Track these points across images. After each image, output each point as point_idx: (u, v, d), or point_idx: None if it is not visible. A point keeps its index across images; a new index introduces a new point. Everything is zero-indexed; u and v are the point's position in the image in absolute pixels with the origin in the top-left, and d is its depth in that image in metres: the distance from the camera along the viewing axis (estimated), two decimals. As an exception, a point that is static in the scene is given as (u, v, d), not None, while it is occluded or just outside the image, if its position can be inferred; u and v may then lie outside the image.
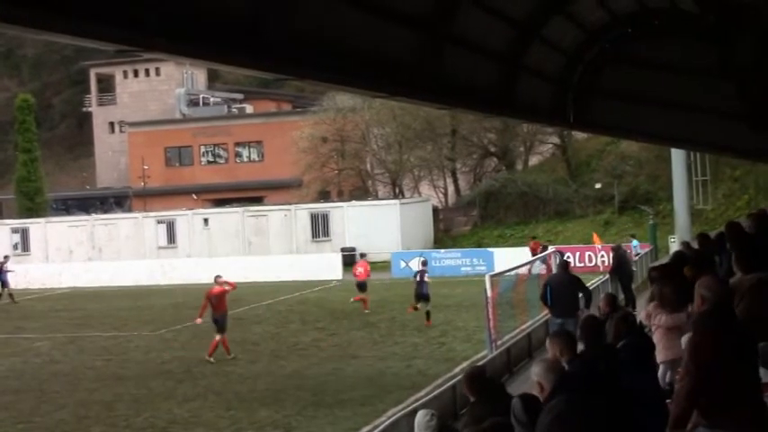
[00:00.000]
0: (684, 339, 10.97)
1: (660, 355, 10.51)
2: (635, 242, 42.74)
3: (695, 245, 17.02)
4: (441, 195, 68.76)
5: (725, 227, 14.34)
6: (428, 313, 31.10)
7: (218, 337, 26.90)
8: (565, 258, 29.47)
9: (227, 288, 27.92)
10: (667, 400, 7.98)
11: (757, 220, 13.38)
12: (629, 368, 8.59)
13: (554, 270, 30.72)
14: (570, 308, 21.30)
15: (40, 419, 21.04)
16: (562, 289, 21.67)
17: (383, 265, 52.27)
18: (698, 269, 12.63)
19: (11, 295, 44.78)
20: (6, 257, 45.44)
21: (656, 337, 11.39)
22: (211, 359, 26.54)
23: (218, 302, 27.30)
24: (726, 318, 6.62)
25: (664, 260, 27.58)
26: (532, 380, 7.11)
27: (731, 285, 9.61)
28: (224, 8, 7.19)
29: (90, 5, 5.63)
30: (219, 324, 27.07)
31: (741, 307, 9.19)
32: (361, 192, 68.90)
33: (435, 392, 17.84)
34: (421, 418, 9.18)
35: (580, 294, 21.69)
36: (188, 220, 61.04)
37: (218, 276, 28.39)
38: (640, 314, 12.94)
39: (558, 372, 7.06)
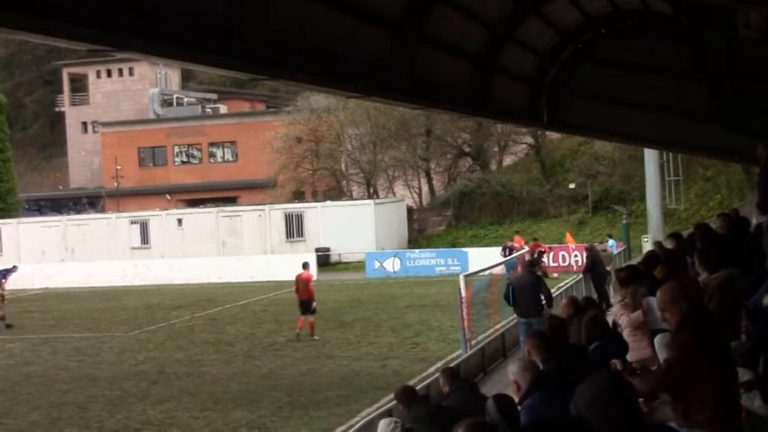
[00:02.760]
0: (657, 341, 11.06)
1: (628, 356, 10.56)
2: (611, 241, 42.96)
3: (668, 244, 17.11)
4: (415, 195, 68.87)
5: (694, 228, 14.43)
6: None
7: (311, 318, 29.36)
8: (534, 257, 29.56)
9: (312, 275, 30.88)
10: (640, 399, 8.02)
11: (726, 220, 13.48)
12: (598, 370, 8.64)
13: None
14: (533, 308, 21.39)
15: (13, 421, 20.90)
16: (525, 289, 21.76)
17: (357, 266, 52.33)
18: (669, 269, 12.74)
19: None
20: (15, 267, 44.99)
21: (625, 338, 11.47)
22: (315, 336, 29.07)
23: (303, 286, 29.76)
24: (702, 323, 6.66)
25: (636, 260, 27.72)
26: (509, 378, 7.15)
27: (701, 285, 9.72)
28: (199, 9, 7.18)
29: (65, 5, 5.62)
30: (305, 306, 29.42)
31: (711, 305, 9.28)
32: (336, 192, 68.86)
33: (410, 392, 17.83)
34: (384, 427, 9.23)
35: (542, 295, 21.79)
36: (162, 220, 60.82)
37: (306, 263, 31.68)
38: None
39: (534, 371, 7.12)
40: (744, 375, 8.02)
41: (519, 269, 30.75)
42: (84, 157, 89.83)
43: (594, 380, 5.81)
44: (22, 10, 5.30)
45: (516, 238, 44.74)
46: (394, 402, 15.65)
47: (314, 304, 29.53)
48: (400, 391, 10.89)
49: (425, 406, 9.95)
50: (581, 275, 31.38)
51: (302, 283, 30.00)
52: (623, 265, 25.56)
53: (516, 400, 7.19)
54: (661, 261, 13.58)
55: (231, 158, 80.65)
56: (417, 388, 13.35)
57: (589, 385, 5.44)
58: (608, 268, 30.66)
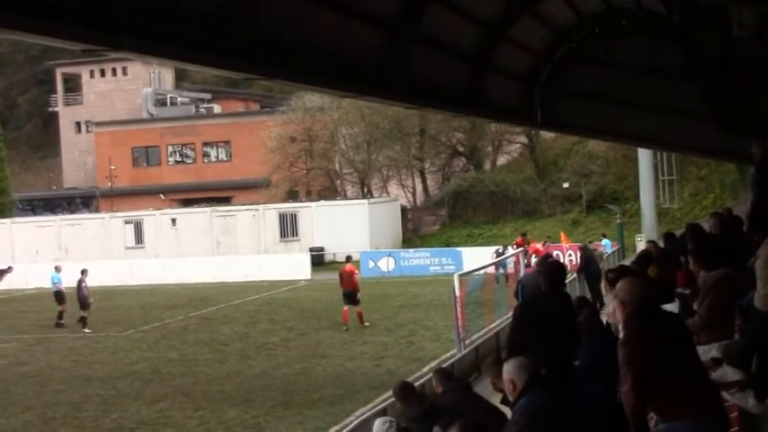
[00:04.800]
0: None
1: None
2: (605, 241, 43.04)
3: (662, 244, 17.12)
4: (409, 195, 68.86)
5: (685, 228, 14.43)
6: None
7: (345, 308, 30.92)
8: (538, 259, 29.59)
9: (355, 267, 33.02)
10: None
11: (720, 220, 13.48)
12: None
13: (522, 270, 30.91)
14: None
15: (6, 421, 20.85)
16: (533, 289, 21.71)
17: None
18: (663, 268, 12.75)
19: None
20: (10, 268, 44.77)
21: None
22: (366, 323, 30.90)
23: (348, 279, 31.18)
24: (649, 314, 6.67)
25: (630, 259, 27.72)
26: (504, 378, 7.15)
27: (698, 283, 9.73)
28: (193, 9, 7.18)
29: (59, 5, 5.61)
30: (349, 297, 30.97)
31: (705, 303, 9.29)
32: (330, 192, 68.83)
33: (404, 392, 17.83)
34: (379, 425, 9.23)
35: None
36: (156, 220, 60.76)
37: (349, 256, 34.64)
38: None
39: (530, 370, 7.12)
40: (736, 375, 8.05)
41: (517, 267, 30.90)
42: (78, 157, 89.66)
43: (523, 408, 5.96)
44: (17, 10, 5.30)
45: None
46: (389, 401, 15.67)
47: (359, 294, 31.31)
48: (398, 387, 10.88)
49: (421, 405, 9.95)
50: (575, 274, 31.37)
51: (347, 276, 31.34)
52: (616, 264, 25.56)
53: (511, 399, 7.20)
54: (654, 260, 13.59)
55: (225, 158, 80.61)
56: (412, 387, 13.31)
57: (519, 413, 5.57)
58: (600, 267, 30.67)
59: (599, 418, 7.79)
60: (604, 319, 12.64)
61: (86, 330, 33.47)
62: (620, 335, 6.76)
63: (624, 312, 6.71)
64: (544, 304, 9.70)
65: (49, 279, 38.25)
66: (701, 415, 6.32)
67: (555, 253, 39.99)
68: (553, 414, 6.74)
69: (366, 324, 30.78)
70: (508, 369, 7.16)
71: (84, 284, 34.32)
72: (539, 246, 41.77)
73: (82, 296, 34.19)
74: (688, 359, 6.59)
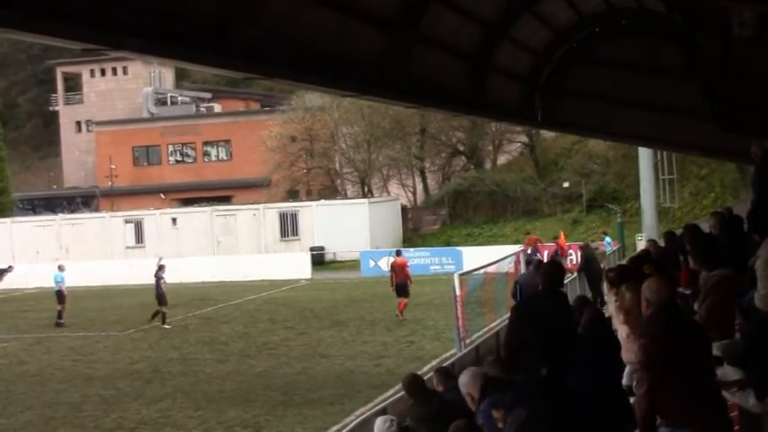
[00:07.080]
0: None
1: (624, 356, 10.58)
2: (608, 239, 43.13)
3: (663, 243, 17.12)
4: (409, 194, 68.84)
5: (683, 228, 14.42)
6: None
7: (405, 300, 32.17)
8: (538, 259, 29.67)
9: (407, 260, 34.80)
10: (631, 399, 8.04)
11: (720, 219, 13.48)
12: (584, 367, 8.62)
13: (522, 269, 30.90)
14: None
15: (7, 421, 20.86)
16: (531, 288, 21.72)
17: (352, 264, 52.31)
18: (659, 266, 12.74)
19: None
20: (11, 267, 44.66)
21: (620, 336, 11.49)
22: (405, 317, 31.88)
23: (399, 271, 32.58)
24: (672, 318, 6.68)
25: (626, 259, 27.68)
26: (462, 392, 7.15)
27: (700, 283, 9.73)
28: (194, 9, 7.18)
29: (60, 4, 5.61)
30: (401, 289, 32.25)
31: (706, 303, 9.29)
32: (330, 191, 68.84)
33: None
34: (381, 424, 9.20)
35: None
36: (156, 219, 60.73)
37: (399, 250, 37.01)
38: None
39: (482, 377, 7.14)
40: (736, 374, 8.05)
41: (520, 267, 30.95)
42: (79, 157, 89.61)
43: (514, 417, 5.95)
44: (18, 9, 5.30)
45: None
46: (389, 401, 15.67)
47: (410, 286, 32.62)
48: (408, 380, 10.51)
49: (430, 402, 9.85)
50: (575, 274, 31.35)
51: (399, 268, 32.71)
52: (615, 264, 25.54)
53: (474, 410, 7.21)
54: (651, 259, 13.59)
55: (225, 157, 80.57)
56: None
57: (509, 424, 5.56)
58: (602, 266, 30.63)
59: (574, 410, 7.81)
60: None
61: (166, 326, 33.30)
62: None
63: (647, 311, 6.72)
64: (541, 304, 9.68)
65: (50, 278, 38.25)
66: (706, 424, 6.34)
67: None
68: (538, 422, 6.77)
69: (404, 318, 31.67)
70: (463, 382, 7.16)
71: (162, 280, 34.16)
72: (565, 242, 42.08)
73: (160, 292, 33.96)
74: (702, 366, 6.60)
